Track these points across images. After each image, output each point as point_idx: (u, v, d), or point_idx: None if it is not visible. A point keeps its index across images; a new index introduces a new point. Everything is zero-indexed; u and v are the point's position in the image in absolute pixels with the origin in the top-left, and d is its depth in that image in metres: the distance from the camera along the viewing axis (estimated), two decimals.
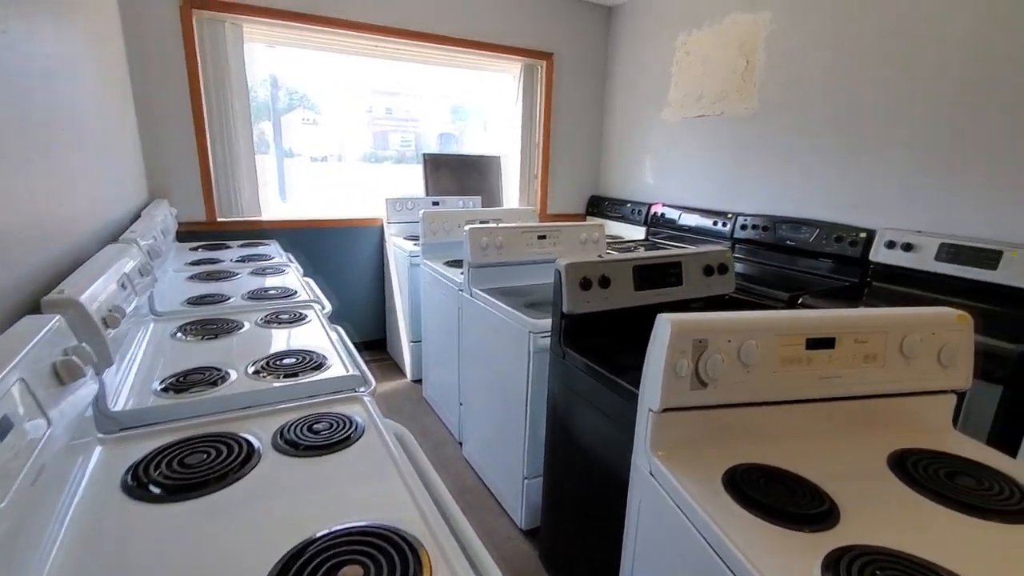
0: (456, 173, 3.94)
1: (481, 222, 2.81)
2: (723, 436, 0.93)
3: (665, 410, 0.89)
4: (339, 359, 1.34)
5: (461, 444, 2.52)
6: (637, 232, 3.70)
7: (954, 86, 2.08)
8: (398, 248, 3.21)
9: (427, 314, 2.87)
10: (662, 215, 3.50)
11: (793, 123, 2.70)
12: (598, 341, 1.50)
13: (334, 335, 1.54)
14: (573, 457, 1.53)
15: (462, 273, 2.22)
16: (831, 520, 0.76)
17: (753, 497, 0.79)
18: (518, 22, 3.65)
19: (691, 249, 1.69)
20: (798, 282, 2.44)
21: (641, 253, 1.63)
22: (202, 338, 1.46)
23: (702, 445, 0.92)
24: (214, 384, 1.17)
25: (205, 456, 0.91)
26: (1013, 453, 1.49)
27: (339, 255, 3.48)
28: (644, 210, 3.64)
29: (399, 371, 3.42)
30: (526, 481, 1.88)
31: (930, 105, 2.16)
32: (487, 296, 2.01)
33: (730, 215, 2.99)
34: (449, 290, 2.42)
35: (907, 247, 2.14)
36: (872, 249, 2.27)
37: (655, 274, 1.58)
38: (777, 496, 0.80)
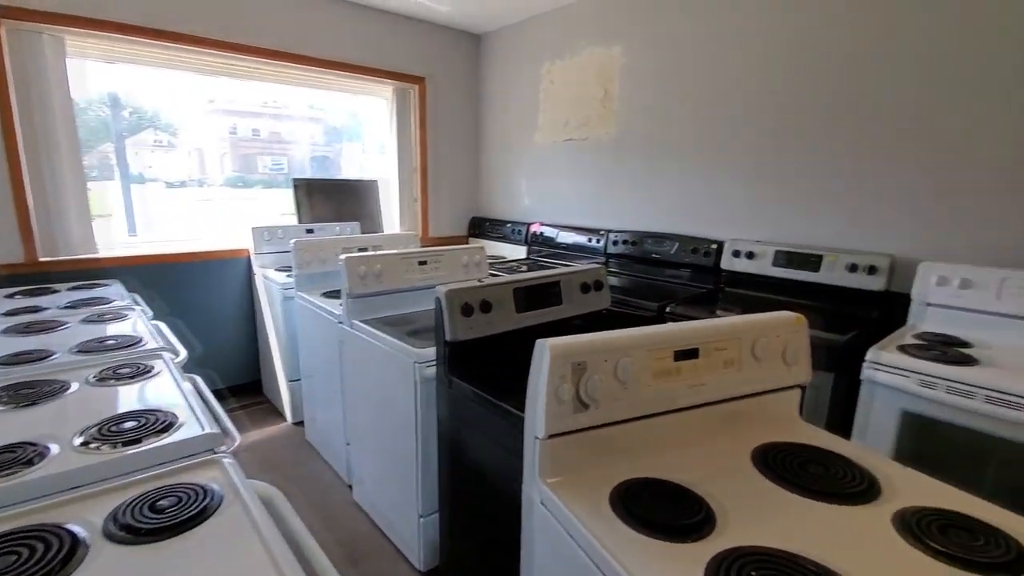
0: (331, 198, 3.77)
1: (359, 249, 2.71)
2: (608, 455, 0.95)
3: (550, 436, 0.89)
4: (193, 416, 1.18)
5: (351, 487, 2.36)
6: (519, 251, 3.79)
7: (775, 114, 2.39)
8: (269, 280, 2.97)
9: (305, 350, 2.68)
10: (541, 234, 3.61)
11: (648, 146, 2.95)
12: (485, 366, 1.48)
13: (188, 387, 1.36)
14: (469, 488, 1.49)
15: (341, 304, 2.10)
16: (709, 526, 0.80)
17: (638, 514, 0.81)
18: (388, 46, 3.60)
19: (568, 268, 1.75)
20: (665, 291, 2.64)
21: (522, 275, 1.65)
22: (15, 406, 1.20)
23: (589, 466, 0.93)
24: (29, 463, 0.96)
25: (15, 558, 0.74)
26: (847, 431, 1.71)
27: (200, 292, 3.14)
28: (524, 230, 3.74)
29: (278, 414, 3.14)
30: (422, 519, 1.79)
31: (756, 129, 2.47)
32: (368, 327, 1.91)
33: (602, 232, 3.17)
34: (327, 323, 2.28)
35: (750, 255, 2.41)
36: (723, 258, 2.53)
37: (535, 295, 1.61)
38: (660, 509, 0.83)
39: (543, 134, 3.61)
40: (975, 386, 1.42)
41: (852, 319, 2.03)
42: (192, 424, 1.14)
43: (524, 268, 3.27)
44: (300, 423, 2.93)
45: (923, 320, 1.90)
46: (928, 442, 1.56)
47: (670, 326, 1.01)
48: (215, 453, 1.07)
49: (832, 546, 0.77)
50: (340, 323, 2.12)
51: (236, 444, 1.20)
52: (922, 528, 0.79)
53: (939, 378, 1.48)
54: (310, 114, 4.09)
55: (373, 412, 2.01)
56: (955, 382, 1.45)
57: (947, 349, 1.61)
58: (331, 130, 4.24)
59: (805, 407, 1.82)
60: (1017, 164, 1.80)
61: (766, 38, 2.39)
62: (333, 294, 2.46)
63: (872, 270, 2.04)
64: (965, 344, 1.71)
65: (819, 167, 2.28)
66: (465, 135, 4.18)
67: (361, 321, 1.98)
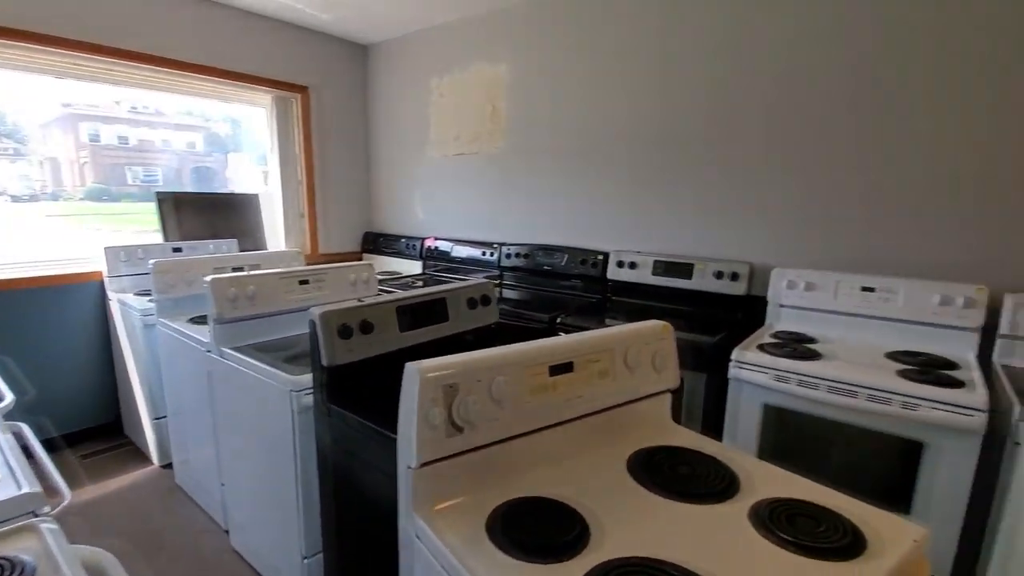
0: (205, 214, 3.46)
1: (234, 269, 2.49)
2: (486, 477, 0.93)
3: (423, 465, 0.85)
4: (9, 473, 1.00)
5: (228, 532, 2.14)
6: (414, 267, 3.71)
7: (646, 133, 2.56)
8: (127, 307, 2.65)
9: (171, 383, 2.41)
10: (436, 248, 3.57)
11: (536, 161, 3.03)
12: (368, 390, 1.40)
13: (7, 438, 1.16)
14: (355, 523, 1.40)
15: (209, 331, 1.91)
16: (584, 541, 0.80)
17: (514, 538, 0.79)
18: (265, 52, 3.39)
19: (454, 284, 1.72)
20: (558, 303, 2.70)
21: (405, 292, 1.59)
22: None
23: (466, 491, 0.90)
24: None
25: None
26: (721, 426, 1.84)
27: (41, 324, 2.73)
28: (418, 244, 3.67)
29: (143, 457, 2.79)
30: (306, 560, 1.66)
31: (631, 146, 2.62)
32: (239, 355, 1.75)
33: (495, 245, 3.19)
34: (194, 352, 2.06)
35: (632, 265, 2.55)
36: (608, 268, 2.65)
37: (420, 313, 1.56)
38: (537, 529, 0.82)
39: (435, 148, 3.58)
40: (819, 378, 1.59)
41: (720, 322, 2.20)
42: (7, 484, 0.97)
43: (420, 284, 3.20)
44: (169, 465, 2.62)
45: (778, 320, 2.10)
46: (786, 432, 1.72)
47: (544, 341, 1.02)
48: (36, 516, 0.91)
49: (696, 546, 0.80)
50: (208, 352, 1.92)
51: (66, 503, 1.04)
52: (773, 519, 0.85)
53: (791, 372, 1.63)
54: (189, 121, 3.76)
55: (249, 448, 1.84)
56: (804, 375, 1.61)
57: (797, 346, 1.80)
58: (214, 139, 3.92)
59: (684, 407, 1.94)
60: (846, 184, 2.06)
61: (636, 63, 2.55)
62: (203, 319, 2.23)
63: (735, 276, 2.24)
64: (812, 340, 1.91)
65: (687, 182, 2.46)
66: (355, 147, 4.04)
67: (232, 348, 1.81)
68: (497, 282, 3.19)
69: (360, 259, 4.04)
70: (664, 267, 2.45)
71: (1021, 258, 1.76)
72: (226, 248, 3.20)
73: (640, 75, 2.56)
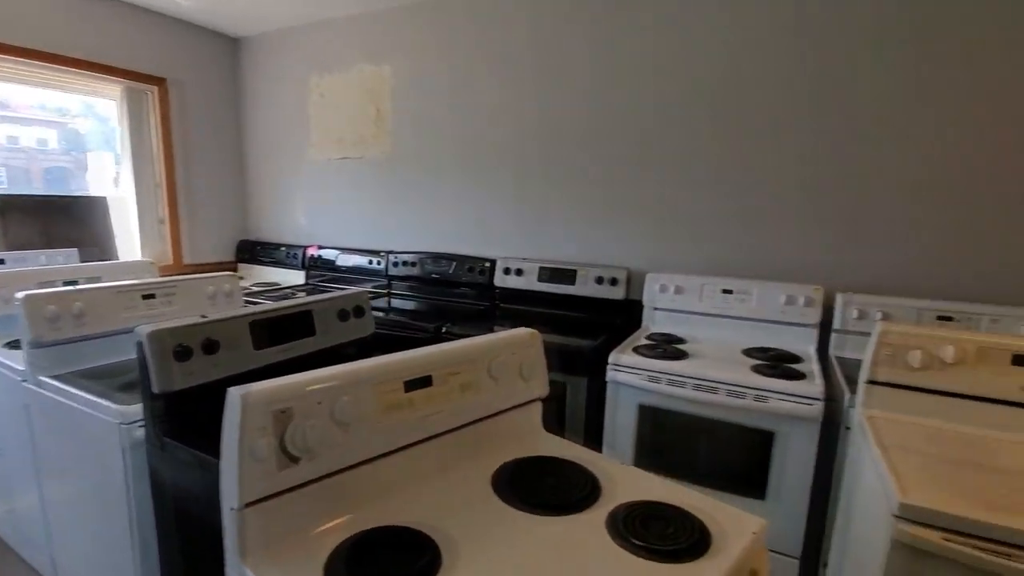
0: (38, 220, 3.01)
1: (66, 283, 2.15)
2: (331, 509, 0.84)
3: (248, 505, 0.74)
4: None
5: None
6: (297, 277, 3.47)
7: (528, 143, 2.58)
8: None
9: None
10: (319, 257, 3.36)
11: (423, 167, 2.95)
12: (213, 419, 1.25)
13: None
14: (203, 571, 1.23)
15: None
16: (433, 570, 0.74)
17: None
18: (115, 38, 3.00)
19: (322, 296, 1.60)
20: (445, 311, 2.64)
21: (262, 306, 1.45)
22: None
23: (307, 528, 0.81)
24: None
25: None
26: (602, 429, 1.87)
27: None
28: (300, 253, 3.44)
29: None
30: None
31: (515, 154, 2.64)
32: (60, 384, 1.50)
33: (383, 253, 3.07)
34: (8, 382, 1.74)
35: (518, 272, 2.55)
36: (496, 276, 2.63)
37: (281, 328, 1.43)
38: (382, 564, 0.75)
39: (317, 151, 3.38)
40: (686, 376, 1.67)
41: (602, 326, 2.26)
42: None
43: (302, 295, 2.99)
44: None
45: (653, 323, 2.20)
46: (660, 431, 1.78)
47: (399, 355, 0.95)
48: None
49: (551, 561, 0.78)
50: (24, 381, 1.63)
51: None
52: (627, 525, 0.85)
53: (661, 372, 1.70)
54: (41, 116, 3.24)
55: (77, 492, 1.58)
56: (672, 375, 1.69)
57: (668, 347, 1.88)
58: (72, 136, 3.41)
59: (567, 413, 1.95)
60: (705, 194, 2.21)
61: (515, 71, 2.57)
62: (19, 344, 1.90)
63: (614, 281, 2.32)
64: (682, 340, 2.01)
65: (570, 189, 2.52)
66: (226, 148, 3.70)
67: (52, 377, 1.54)
68: (385, 291, 3.06)
69: (235, 270, 3.70)
70: (549, 273, 2.49)
71: (849, 262, 1.98)
72: (62, 259, 2.77)
73: (520, 83, 2.58)
